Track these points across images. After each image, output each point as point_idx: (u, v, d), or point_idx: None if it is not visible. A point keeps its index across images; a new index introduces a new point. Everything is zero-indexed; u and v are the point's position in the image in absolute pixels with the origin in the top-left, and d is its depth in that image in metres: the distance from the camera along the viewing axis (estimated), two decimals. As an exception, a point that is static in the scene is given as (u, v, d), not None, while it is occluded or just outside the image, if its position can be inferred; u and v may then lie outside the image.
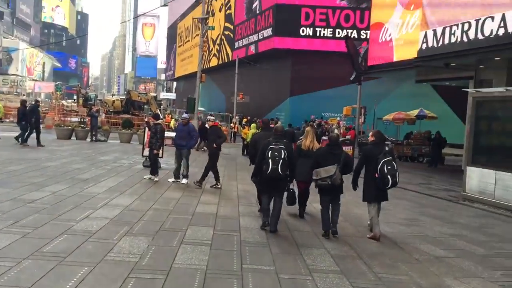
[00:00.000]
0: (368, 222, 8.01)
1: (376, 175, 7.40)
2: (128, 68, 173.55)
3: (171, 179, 11.88)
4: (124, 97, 39.88)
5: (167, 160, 15.13)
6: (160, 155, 13.12)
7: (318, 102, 37.66)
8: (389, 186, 7.40)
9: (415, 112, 25.90)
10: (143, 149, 13.98)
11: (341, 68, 30.38)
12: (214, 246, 6.45)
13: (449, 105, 33.19)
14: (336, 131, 23.39)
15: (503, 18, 12.99)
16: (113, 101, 37.06)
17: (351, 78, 26.07)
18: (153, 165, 12.23)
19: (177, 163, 11.90)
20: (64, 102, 47.80)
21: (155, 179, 11.97)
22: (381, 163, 7.33)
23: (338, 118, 34.71)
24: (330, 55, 35.95)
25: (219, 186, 11.60)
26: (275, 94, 42.48)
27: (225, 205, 9.52)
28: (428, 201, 12.35)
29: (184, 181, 11.80)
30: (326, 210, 7.59)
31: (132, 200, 9.18)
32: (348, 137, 24.32)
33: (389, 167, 7.31)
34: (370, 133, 8.31)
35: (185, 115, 13.25)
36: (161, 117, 32.47)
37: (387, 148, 7.96)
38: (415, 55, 17.57)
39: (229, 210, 9.10)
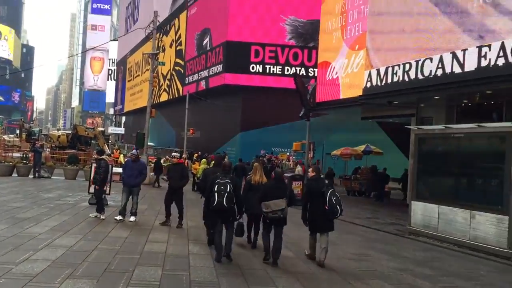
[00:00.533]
0: (306, 252, 8.65)
1: (326, 207, 7.99)
2: (75, 102, 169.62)
3: (118, 217, 11.47)
4: (70, 132, 38.81)
5: (115, 197, 14.70)
6: (107, 191, 12.76)
7: (268, 137, 38.07)
8: (338, 215, 8.09)
9: (361, 148, 26.67)
10: (89, 185, 13.53)
11: (291, 104, 30.98)
12: (162, 287, 6.25)
13: (393, 140, 34.39)
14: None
15: (441, 60, 13.77)
16: (59, 136, 36.00)
17: (300, 114, 26.58)
18: (98, 202, 11.84)
19: (125, 201, 11.55)
20: (5, 137, 45.91)
21: (101, 217, 11.58)
22: (328, 196, 8.01)
23: (288, 153, 35.14)
24: (280, 91, 36.68)
25: (181, 226, 11.18)
26: (226, 129, 42.64)
27: (175, 243, 9.31)
28: (376, 236, 12.60)
29: (132, 218, 11.46)
30: (267, 238, 8.20)
31: (77, 240, 8.82)
32: (297, 171, 24.60)
33: (334, 198, 8.04)
34: (310, 169, 8.97)
35: (134, 151, 12.92)
36: (107, 152, 31.72)
37: (326, 181, 8.78)
38: (361, 93, 18.21)
39: (179, 248, 8.90)
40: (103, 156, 12.49)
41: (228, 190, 7.73)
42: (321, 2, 24.56)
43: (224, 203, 7.69)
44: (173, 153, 13.81)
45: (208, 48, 44.92)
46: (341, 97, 21.49)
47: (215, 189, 7.77)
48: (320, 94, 23.52)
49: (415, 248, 11.03)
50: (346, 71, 21.16)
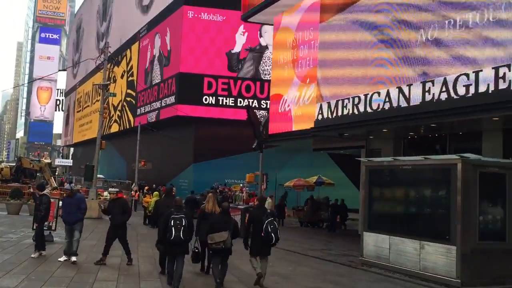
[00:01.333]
0: (256, 272, 9.09)
1: (262, 234, 8.81)
2: (20, 133, 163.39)
3: (62, 258, 10.65)
4: (14, 164, 37.25)
5: (61, 233, 14.06)
6: (53, 227, 12.21)
7: (221, 169, 37.89)
8: (273, 242, 8.92)
9: (313, 179, 27.05)
10: (34, 221, 12.88)
11: (244, 136, 31.12)
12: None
13: (344, 171, 35.10)
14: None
15: (388, 94, 14.30)
16: (1, 169, 34.37)
17: (253, 146, 26.73)
18: (37, 239, 11.19)
19: (68, 239, 10.76)
20: None
21: (43, 253, 11.00)
22: (265, 224, 8.82)
23: (241, 185, 35.08)
24: (233, 123, 36.82)
25: (131, 263, 10.71)
26: (178, 160, 42.16)
27: (125, 281, 8.96)
28: (329, 267, 12.62)
29: (73, 258, 10.52)
30: (216, 267, 8.89)
31: (19, 281, 8.32)
32: (251, 204, 24.54)
33: (271, 226, 8.87)
34: (256, 198, 9.74)
35: (67, 185, 12.33)
36: (54, 185, 30.53)
37: (268, 211, 9.56)
38: (312, 125, 18.56)
39: (130, 286, 8.57)
40: (45, 191, 11.93)
41: (183, 224, 8.38)
42: (273, 37, 25.14)
43: (181, 236, 8.34)
44: (110, 189, 13.30)
45: (160, 80, 44.78)
46: (294, 129, 21.81)
47: (171, 224, 8.36)
48: (272, 126, 23.78)
49: (368, 279, 11.13)
50: (298, 103, 21.56)
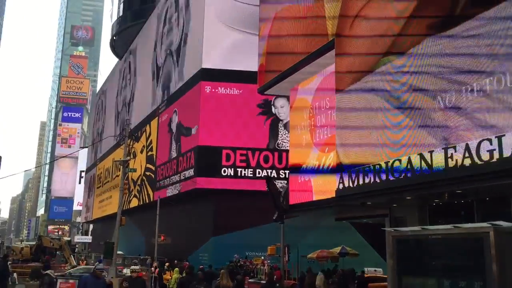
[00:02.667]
0: None
1: None
2: (40, 211, 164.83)
3: None
4: (34, 243, 37.18)
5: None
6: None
7: (242, 241, 37.25)
8: None
9: (337, 250, 26.35)
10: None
11: (264, 207, 30.80)
12: None
13: (367, 241, 34.20)
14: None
15: (409, 161, 14.14)
16: (22, 248, 34.35)
17: (274, 217, 26.36)
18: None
19: None
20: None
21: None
22: None
23: (263, 258, 34.27)
24: (252, 194, 36.62)
25: None
26: (198, 234, 41.67)
27: None
28: None
29: None
30: None
31: None
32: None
33: None
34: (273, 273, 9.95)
35: (100, 264, 11.97)
36: (73, 263, 30.15)
37: (277, 285, 9.69)
38: (333, 195, 18.29)
39: None
40: (48, 271, 11.74)
41: None
42: (290, 107, 25.54)
43: None
44: (132, 267, 13.00)
45: (177, 154, 45.37)
46: (314, 199, 21.52)
47: None
48: (292, 197, 23.54)
49: None
50: (318, 173, 21.42)
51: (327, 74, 21.14)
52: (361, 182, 16.47)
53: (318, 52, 20.18)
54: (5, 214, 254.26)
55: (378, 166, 15.55)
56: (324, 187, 20.27)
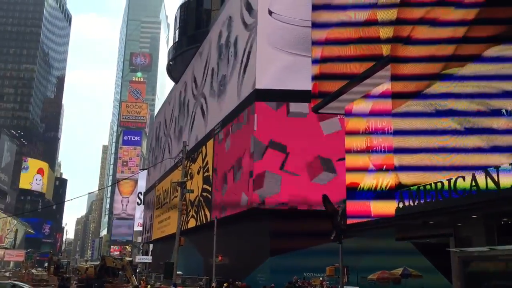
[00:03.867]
0: None
1: None
2: (103, 232, 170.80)
3: None
4: (98, 263, 38.44)
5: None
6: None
7: (300, 262, 36.74)
8: None
9: (399, 271, 25.41)
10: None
11: (322, 226, 30.34)
12: None
13: (430, 261, 32.81)
14: None
15: (474, 178, 13.53)
16: (87, 269, 35.61)
17: (332, 237, 25.88)
18: None
19: None
20: (34, 271, 45.69)
21: None
22: None
23: (321, 278, 33.63)
24: (310, 213, 36.19)
25: None
26: (255, 254, 41.53)
27: None
28: None
29: None
30: None
31: None
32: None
33: None
34: None
35: None
36: (135, 283, 30.88)
37: None
38: (393, 214, 17.78)
39: None
40: None
41: None
42: (345, 125, 25.22)
43: None
44: None
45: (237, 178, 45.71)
46: (373, 218, 20.98)
47: None
48: (351, 216, 23.06)
49: None
50: (376, 191, 20.91)
51: (382, 92, 20.79)
52: (422, 200, 15.93)
53: (370, 71, 19.98)
54: (71, 235, 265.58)
55: (439, 183, 15.00)
56: (383, 206, 19.71)
